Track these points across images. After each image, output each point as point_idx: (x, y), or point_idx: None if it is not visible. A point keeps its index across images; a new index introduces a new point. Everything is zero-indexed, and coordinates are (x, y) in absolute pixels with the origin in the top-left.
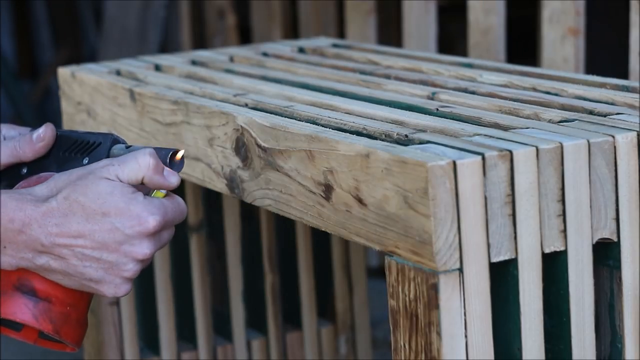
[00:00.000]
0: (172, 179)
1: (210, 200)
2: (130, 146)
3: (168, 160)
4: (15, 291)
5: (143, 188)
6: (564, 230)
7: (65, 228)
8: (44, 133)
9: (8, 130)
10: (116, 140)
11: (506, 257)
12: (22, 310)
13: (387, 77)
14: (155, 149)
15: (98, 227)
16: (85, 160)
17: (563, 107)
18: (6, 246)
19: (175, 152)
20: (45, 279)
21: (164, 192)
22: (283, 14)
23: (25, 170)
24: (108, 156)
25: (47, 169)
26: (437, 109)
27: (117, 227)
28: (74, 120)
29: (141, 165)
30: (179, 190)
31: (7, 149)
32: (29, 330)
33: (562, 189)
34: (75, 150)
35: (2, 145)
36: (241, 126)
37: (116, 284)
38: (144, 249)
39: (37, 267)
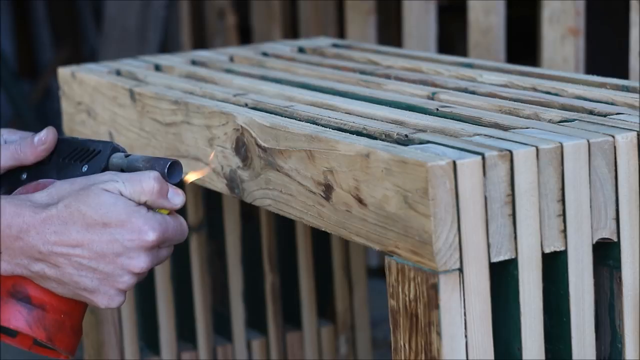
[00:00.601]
0: (176, 200)
1: (210, 200)
2: (130, 155)
3: (166, 171)
4: (10, 298)
5: None
6: (564, 230)
7: (64, 236)
8: (46, 136)
9: (10, 134)
10: (116, 149)
11: (506, 257)
12: (15, 317)
13: (387, 77)
14: (154, 158)
15: (97, 237)
16: (85, 168)
17: (563, 107)
18: (2, 252)
19: (174, 162)
20: (41, 286)
21: None
22: (283, 14)
23: (25, 176)
24: (107, 164)
25: (47, 175)
26: (437, 109)
27: (117, 239)
28: (74, 120)
29: (145, 189)
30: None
31: (8, 152)
32: (24, 336)
33: (562, 189)
34: (74, 157)
35: (3, 148)
36: (241, 126)
37: (110, 295)
38: (140, 263)
39: (32, 274)
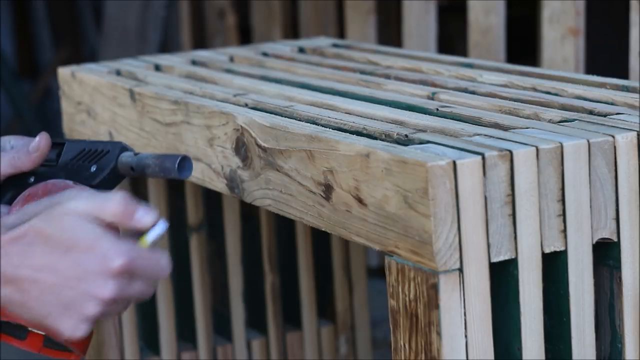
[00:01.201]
0: (146, 219)
1: (210, 200)
2: (138, 153)
3: (177, 167)
4: None
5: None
6: (564, 230)
7: (28, 259)
8: (38, 143)
9: (17, 140)
10: (124, 148)
11: (506, 257)
12: None
13: (387, 77)
14: (164, 155)
15: (61, 261)
16: (93, 168)
17: (563, 107)
18: None
19: (184, 157)
20: None
21: (149, 242)
22: (283, 14)
23: (32, 179)
24: (116, 163)
25: (55, 176)
26: (437, 109)
27: (80, 264)
28: (74, 120)
29: (109, 211)
30: (181, 189)
31: (6, 159)
32: (34, 339)
33: (562, 189)
34: (83, 158)
35: (2, 155)
36: (241, 126)
37: (74, 322)
38: (105, 290)
39: (3, 299)
